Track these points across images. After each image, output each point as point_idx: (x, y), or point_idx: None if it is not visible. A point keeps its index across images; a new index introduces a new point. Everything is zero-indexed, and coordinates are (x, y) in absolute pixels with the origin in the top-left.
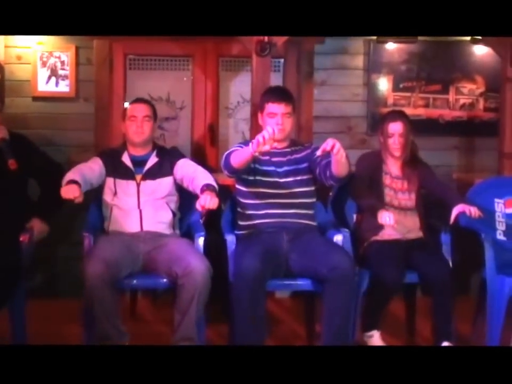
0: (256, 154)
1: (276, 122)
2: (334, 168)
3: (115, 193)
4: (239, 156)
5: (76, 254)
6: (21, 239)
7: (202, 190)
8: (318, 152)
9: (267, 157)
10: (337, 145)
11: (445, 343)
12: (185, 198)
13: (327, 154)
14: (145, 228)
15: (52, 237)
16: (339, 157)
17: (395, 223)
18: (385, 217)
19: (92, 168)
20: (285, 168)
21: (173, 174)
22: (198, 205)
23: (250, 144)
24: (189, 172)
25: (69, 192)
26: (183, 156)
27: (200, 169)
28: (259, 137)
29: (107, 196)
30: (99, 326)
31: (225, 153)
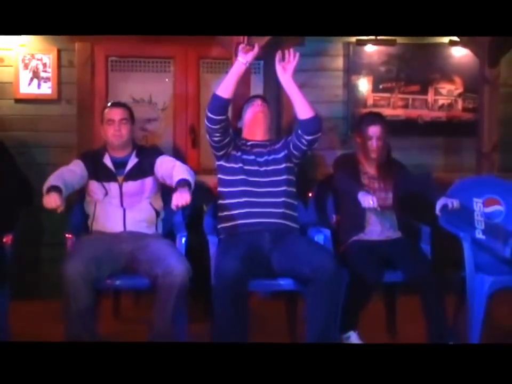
0: (248, 64)
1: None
2: (298, 109)
3: (98, 195)
4: (229, 79)
5: (59, 256)
6: (4, 240)
7: (175, 188)
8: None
9: (248, 147)
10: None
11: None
12: (167, 198)
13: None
14: (128, 228)
15: (35, 239)
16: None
17: (373, 224)
18: (368, 200)
19: (74, 171)
20: (265, 157)
21: (154, 173)
22: (173, 205)
23: (239, 57)
24: (168, 168)
25: (51, 202)
26: (161, 153)
27: (178, 164)
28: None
29: (90, 198)
30: (71, 325)
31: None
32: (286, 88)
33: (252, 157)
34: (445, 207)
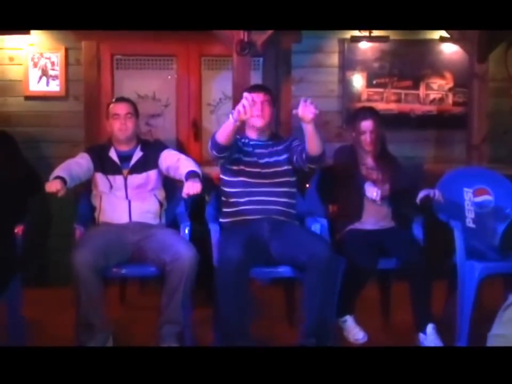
0: (238, 124)
1: (257, 108)
2: (309, 147)
3: (103, 187)
4: (223, 131)
5: (67, 245)
6: (15, 231)
7: (186, 179)
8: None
9: (250, 148)
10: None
11: (430, 325)
12: (170, 189)
13: (303, 142)
14: (134, 219)
15: (44, 229)
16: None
17: (369, 214)
18: (373, 192)
19: (80, 163)
20: (266, 159)
21: (158, 166)
22: (184, 193)
23: (230, 115)
24: (173, 161)
25: (51, 186)
26: (165, 147)
27: (183, 157)
28: (239, 106)
29: (96, 190)
30: (83, 313)
31: (212, 136)
32: (305, 131)
33: (254, 159)
34: (427, 196)
